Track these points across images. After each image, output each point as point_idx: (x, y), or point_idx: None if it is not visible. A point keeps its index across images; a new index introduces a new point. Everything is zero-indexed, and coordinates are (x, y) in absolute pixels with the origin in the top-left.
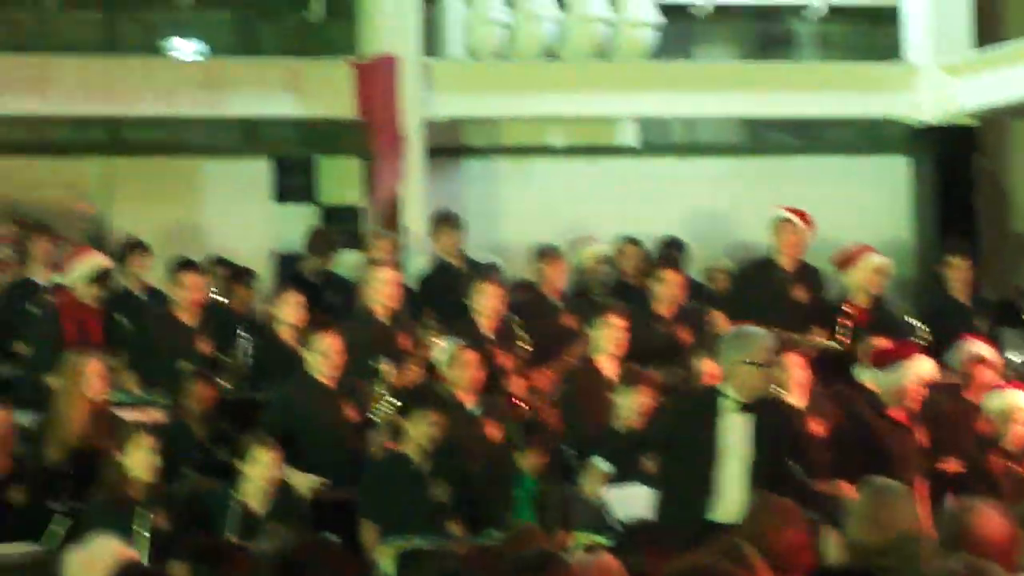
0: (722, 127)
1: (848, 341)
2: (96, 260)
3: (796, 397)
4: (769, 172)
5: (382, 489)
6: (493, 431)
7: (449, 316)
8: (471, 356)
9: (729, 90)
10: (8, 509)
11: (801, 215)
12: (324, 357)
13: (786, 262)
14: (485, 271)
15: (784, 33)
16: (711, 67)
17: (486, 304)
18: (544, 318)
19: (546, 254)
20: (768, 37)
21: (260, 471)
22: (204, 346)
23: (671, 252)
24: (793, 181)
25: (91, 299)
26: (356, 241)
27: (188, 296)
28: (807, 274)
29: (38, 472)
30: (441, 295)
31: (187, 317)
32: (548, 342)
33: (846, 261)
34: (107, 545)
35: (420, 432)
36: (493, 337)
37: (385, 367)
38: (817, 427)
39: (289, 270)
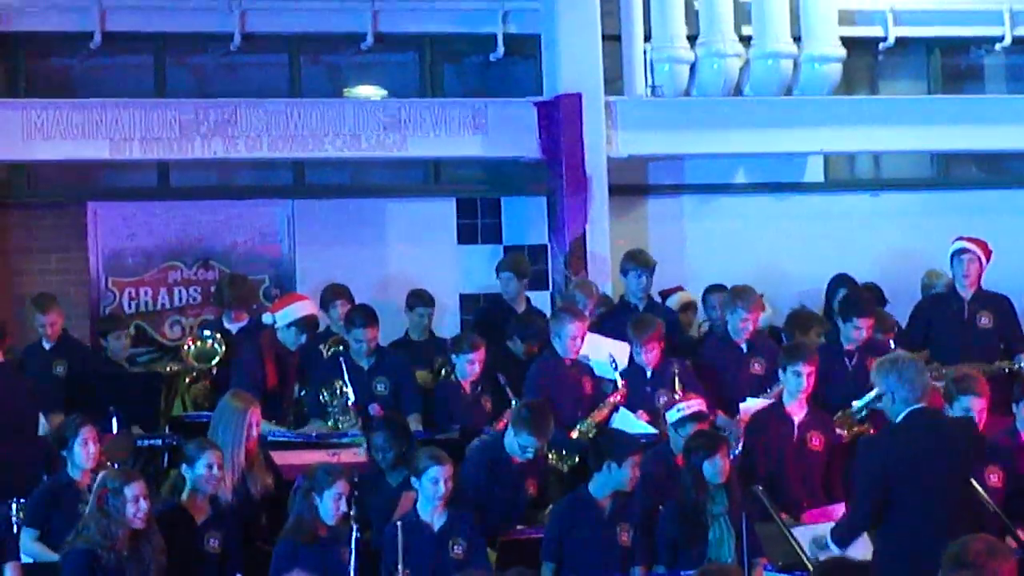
0: (909, 161)
1: None
2: (305, 306)
3: None
4: (957, 206)
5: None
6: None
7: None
8: None
9: (915, 124)
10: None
11: (979, 244)
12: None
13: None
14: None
15: (970, 66)
16: (897, 101)
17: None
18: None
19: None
20: (954, 70)
21: None
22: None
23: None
24: (981, 215)
25: (292, 343)
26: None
27: (364, 344)
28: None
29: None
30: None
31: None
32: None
33: None
34: None
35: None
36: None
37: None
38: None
39: (476, 312)
